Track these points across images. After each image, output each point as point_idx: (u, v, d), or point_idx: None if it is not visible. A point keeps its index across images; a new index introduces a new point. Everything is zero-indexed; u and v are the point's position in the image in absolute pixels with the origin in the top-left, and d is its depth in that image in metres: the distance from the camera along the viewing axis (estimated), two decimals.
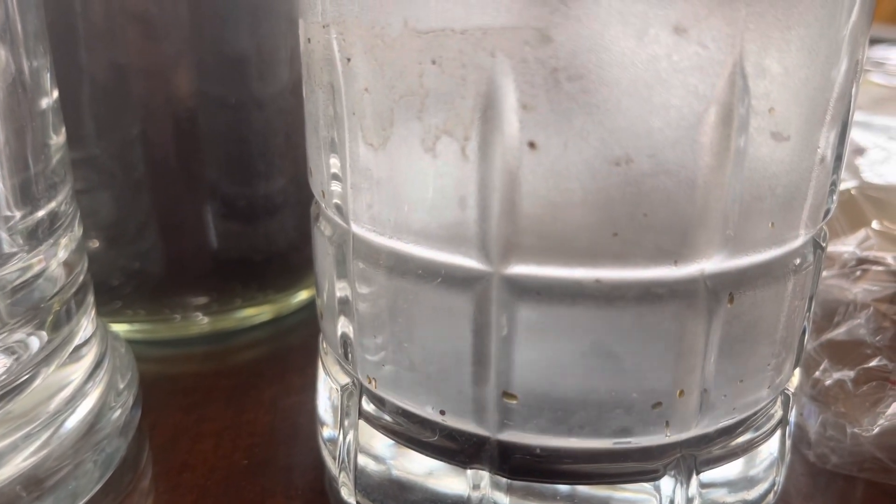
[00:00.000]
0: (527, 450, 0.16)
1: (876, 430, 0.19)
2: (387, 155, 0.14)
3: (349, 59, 0.14)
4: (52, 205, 0.19)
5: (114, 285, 0.26)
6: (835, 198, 0.17)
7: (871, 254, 0.21)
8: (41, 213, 0.18)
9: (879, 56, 0.40)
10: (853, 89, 0.15)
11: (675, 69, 0.13)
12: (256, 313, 0.28)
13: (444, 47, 0.13)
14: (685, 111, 0.13)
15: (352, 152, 0.15)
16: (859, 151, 0.26)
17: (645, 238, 0.14)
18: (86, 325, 0.20)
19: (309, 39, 0.16)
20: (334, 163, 0.16)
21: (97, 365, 0.20)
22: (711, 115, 0.13)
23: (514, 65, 0.13)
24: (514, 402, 0.15)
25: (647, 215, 0.13)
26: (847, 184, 0.23)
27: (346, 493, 0.19)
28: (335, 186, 0.16)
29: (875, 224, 0.22)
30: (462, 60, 0.13)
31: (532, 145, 0.13)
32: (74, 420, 0.19)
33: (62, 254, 0.19)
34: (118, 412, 0.20)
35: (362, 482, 0.18)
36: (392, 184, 0.15)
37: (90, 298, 0.21)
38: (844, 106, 0.15)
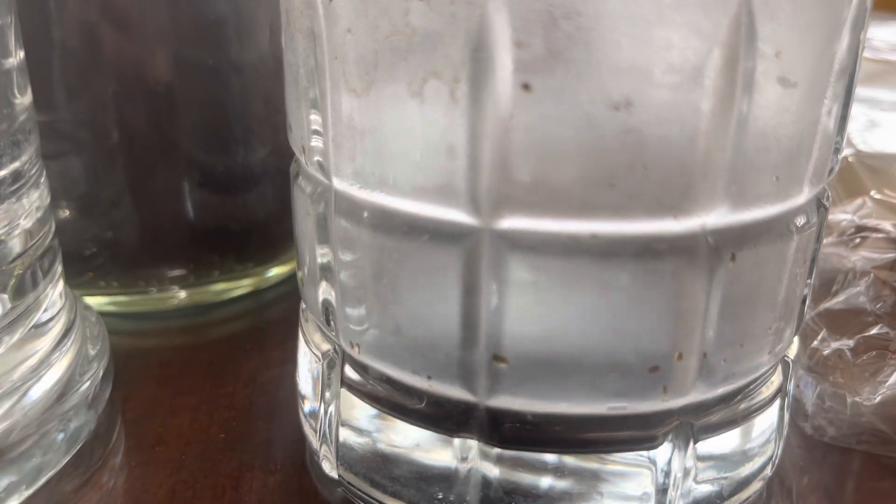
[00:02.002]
0: (517, 416, 0.15)
1: (877, 400, 0.18)
2: (371, 102, 0.14)
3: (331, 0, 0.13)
4: (16, 164, 0.18)
5: (85, 255, 0.25)
6: (839, 158, 0.16)
7: (870, 221, 0.20)
8: (3, 172, 0.17)
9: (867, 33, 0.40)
10: (861, 40, 0.15)
11: (677, 5, 0.12)
12: (235, 286, 0.27)
13: None
14: (688, 52, 0.12)
15: (334, 102, 0.14)
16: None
17: (644, 190, 0.13)
18: (52, 294, 0.19)
19: None
20: (315, 116, 0.15)
21: (65, 334, 0.19)
22: (715, 56, 0.12)
23: (508, 0, 0.12)
24: (505, 365, 0.14)
25: (647, 166, 0.13)
26: (843, 151, 0.23)
27: (328, 467, 0.18)
28: (316, 141, 0.15)
29: (874, 192, 0.21)
30: None
31: (526, 87, 0.12)
32: (39, 390, 0.18)
33: (25, 215, 0.18)
34: (87, 383, 0.19)
35: (345, 455, 0.17)
36: (376, 134, 0.14)
37: (58, 266, 0.20)
38: (852, 58, 0.14)
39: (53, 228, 0.20)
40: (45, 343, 0.19)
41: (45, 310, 0.19)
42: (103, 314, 0.23)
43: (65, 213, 0.24)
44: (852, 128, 0.26)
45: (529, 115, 0.12)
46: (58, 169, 0.24)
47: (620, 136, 0.12)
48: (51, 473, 0.18)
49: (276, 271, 0.27)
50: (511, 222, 0.13)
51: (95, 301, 0.25)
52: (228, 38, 0.24)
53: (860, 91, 0.30)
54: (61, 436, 0.18)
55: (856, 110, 0.27)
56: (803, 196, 0.15)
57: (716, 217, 0.13)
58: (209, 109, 0.25)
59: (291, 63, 0.16)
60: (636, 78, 0.12)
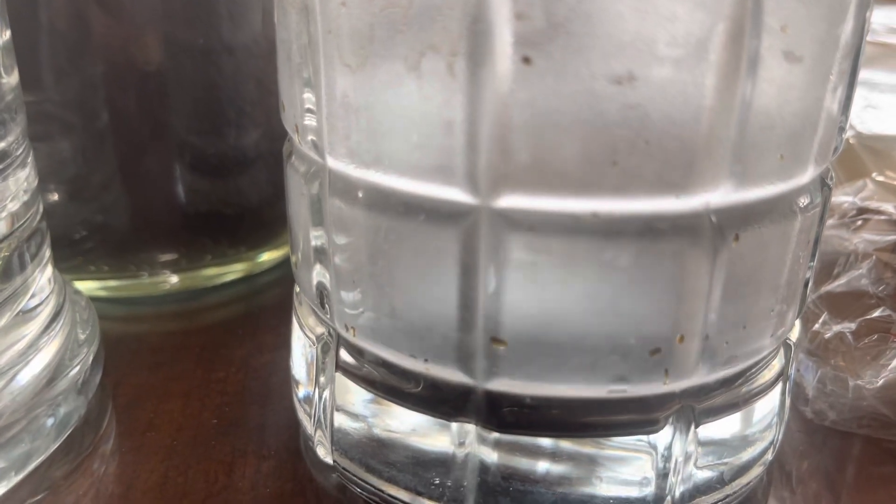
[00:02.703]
0: (516, 400, 0.14)
1: (879, 383, 0.18)
2: (366, 77, 0.13)
3: None
4: (2, 144, 0.17)
5: (75, 239, 0.24)
6: (843, 137, 0.16)
7: (872, 203, 0.20)
8: None
9: None
10: (866, 19, 0.14)
11: None
12: (227, 271, 0.26)
13: None
14: (692, 25, 0.12)
15: (328, 78, 0.14)
16: None
17: (646, 167, 0.13)
18: (41, 278, 0.19)
19: None
20: (308, 94, 0.15)
21: (53, 318, 0.19)
22: (720, 30, 0.12)
23: None
24: (503, 347, 0.14)
25: (649, 142, 0.12)
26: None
27: (323, 452, 0.17)
28: (309, 119, 0.15)
29: (875, 174, 0.21)
30: None
31: (526, 60, 0.12)
32: (28, 375, 0.17)
33: (11, 197, 0.17)
34: (76, 368, 0.19)
35: (340, 441, 0.17)
36: (372, 110, 0.13)
37: (46, 250, 0.19)
38: (857, 38, 0.14)
39: (41, 211, 0.19)
40: (33, 327, 0.18)
41: (34, 294, 0.18)
42: (94, 299, 0.23)
43: (54, 197, 0.24)
44: (851, 111, 0.25)
45: (529, 90, 0.12)
46: (47, 151, 0.23)
47: (622, 112, 0.12)
48: (40, 459, 0.18)
49: (268, 255, 0.27)
50: (510, 201, 0.13)
51: (86, 286, 0.25)
52: (220, 18, 0.24)
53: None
54: (51, 421, 0.18)
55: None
56: (807, 175, 0.14)
57: (719, 196, 0.13)
58: (201, 91, 0.24)
59: (284, 40, 0.15)
60: (639, 51, 0.12)
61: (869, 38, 0.39)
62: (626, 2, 0.12)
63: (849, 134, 0.22)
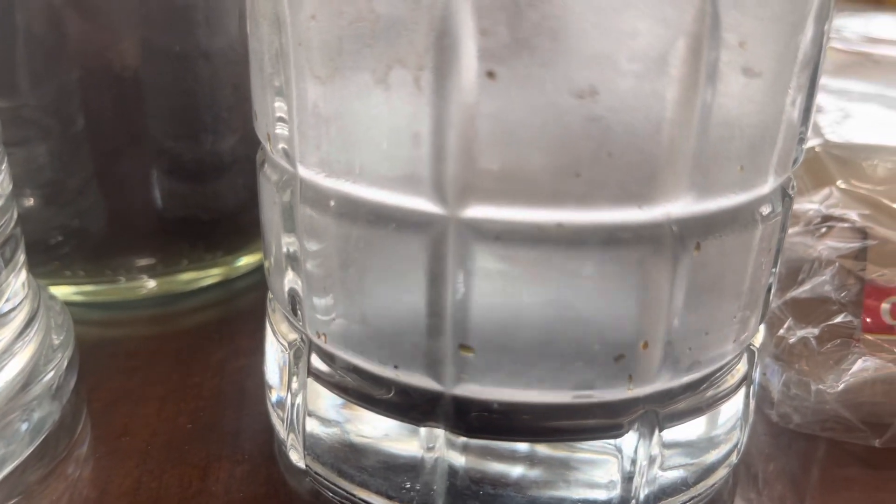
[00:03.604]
0: (484, 405, 0.15)
1: (841, 388, 0.18)
2: (335, 89, 0.13)
3: None
4: None
5: (51, 244, 0.24)
6: (803, 148, 0.16)
7: (837, 211, 0.20)
8: None
9: (837, 24, 0.40)
10: (825, 31, 0.15)
11: None
12: (204, 275, 0.26)
13: None
14: (653, 41, 0.12)
15: (298, 89, 0.14)
16: (820, 111, 0.26)
17: (609, 178, 0.13)
18: (15, 283, 0.19)
19: None
20: (280, 103, 0.15)
21: (28, 324, 0.19)
22: (680, 46, 0.12)
23: None
24: (471, 354, 0.14)
25: (612, 154, 0.13)
26: (811, 142, 0.23)
27: (296, 457, 0.18)
28: (281, 128, 0.15)
29: (840, 182, 0.21)
30: None
31: (491, 75, 0.12)
32: (2, 380, 0.17)
33: None
34: (51, 374, 0.19)
35: (312, 445, 0.17)
36: (341, 121, 0.14)
37: (20, 255, 0.19)
38: (816, 49, 0.15)
39: (16, 216, 0.19)
40: (7, 333, 0.18)
41: (7, 299, 0.18)
42: (70, 304, 0.23)
43: (30, 202, 0.24)
44: (825, 120, 0.26)
45: (494, 104, 0.12)
46: (22, 156, 0.23)
47: (585, 124, 0.12)
48: (14, 464, 0.18)
49: (245, 260, 0.27)
50: (476, 211, 0.13)
51: (62, 291, 0.25)
52: (197, 24, 0.24)
53: (833, 83, 0.30)
54: (25, 426, 0.18)
55: (828, 102, 0.28)
56: (768, 185, 0.15)
57: (680, 206, 0.13)
58: (177, 96, 0.25)
59: (256, 50, 0.16)
60: (601, 66, 0.12)
61: (843, 46, 0.39)
62: (589, 19, 0.12)
63: (816, 142, 0.23)
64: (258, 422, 0.20)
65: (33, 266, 0.21)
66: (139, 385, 0.21)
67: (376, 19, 0.12)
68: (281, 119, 0.15)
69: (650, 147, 0.13)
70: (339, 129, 0.14)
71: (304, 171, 0.15)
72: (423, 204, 0.13)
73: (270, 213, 0.17)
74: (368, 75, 0.13)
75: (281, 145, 0.15)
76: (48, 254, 0.24)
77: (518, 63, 0.12)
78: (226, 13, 0.25)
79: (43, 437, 0.19)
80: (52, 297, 0.22)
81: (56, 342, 0.20)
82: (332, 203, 0.15)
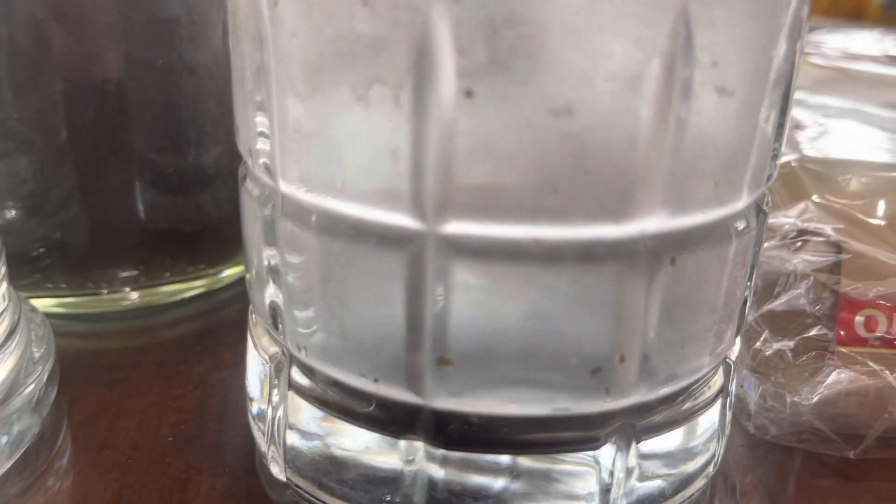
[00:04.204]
0: (463, 418, 0.15)
1: (815, 399, 0.19)
2: (316, 106, 0.14)
3: (276, 3, 0.13)
4: None
5: (32, 256, 0.24)
6: (777, 164, 0.17)
7: (812, 225, 0.21)
8: None
9: (817, 39, 0.41)
10: (797, 49, 0.15)
11: (618, 15, 0.12)
12: (187, 288, 0.26)
13: None
14: (627, 60, 0.12)
15: (280, 105, 0.14)
16: (798, 127, 0.26)
17: (585, 195, 0.13)
18: None
19: None
20: (261, 118, 0.15)
21: (8, 336, 0.19)
22: (654, 65, 0.12)
23: (451, 7, 0.12)
24: (450, 367, 0.14)
25: (588, 171, 0.13)
26: (788, 157, 0.23)
27: (277, 470, 0.18)
28: (262, 143, 0.15)
29: (815, 197, 0.22)
30: (395, 2, 0.12)
31: (469, 94, 0.12)
32: None
33: None
34: (31, 386, 0.19)
35: (293, 458, 0.17)
36: (322, 137, 0.14)
37: (2, 267, 0.19)
38: (788, 66, 0.15)
39: None
40: None
41: None
42: (51, 316, 0.23)
43: (11, 213, 0.24)
44: (803, 135, 0.26)
45: (472, 122, 0.13)
46: (4, 168, 0.23)
47: (562, 142, 0.13)
48: None
49: (228, 272, 0.27)
50: (455, 227, 0.13)
51: (43, 303, 0.25)
52: (181, 38, 0.24)
53: (812, 98, 0.30)
54: (4, 439, 0.18)
55: (807, 117, 0.28)
56: (742, 202, 0.15)
57: (655, 222, 0.14)
58: (161, 109, 0.25)
59: (238, 65, 0.16)
60: (577, 85, 0.12)
61: (822, 62, 0.40)
62: (565, 39, 0.12)
63: (792, 157, 0.23)
64: (239, 434, 0.20)
65: (14, 278, 0.21)
66: (120, 398, 0.21)
67: (357, 38, 0.13)
68: (262, 134, 0.15)
69: (626, 164, 0.13)
70: (320, 145, 0.14)
71: (285, 187, 0.15)
72: (402, 219, 0.14)
73: (252, 226, 0.17)
74: (349, 92, 0.13)
75: (262, 160, 0.16)
76: (30, 266, 0.24)
77: (495, 82, 0.12)
78: (210, 27, 0.25)
79: (23, 450, 0.19)
80: (33, 310, 0.22)
81: (37, 355, 0.20)
82: (313, 218, 0.15)
